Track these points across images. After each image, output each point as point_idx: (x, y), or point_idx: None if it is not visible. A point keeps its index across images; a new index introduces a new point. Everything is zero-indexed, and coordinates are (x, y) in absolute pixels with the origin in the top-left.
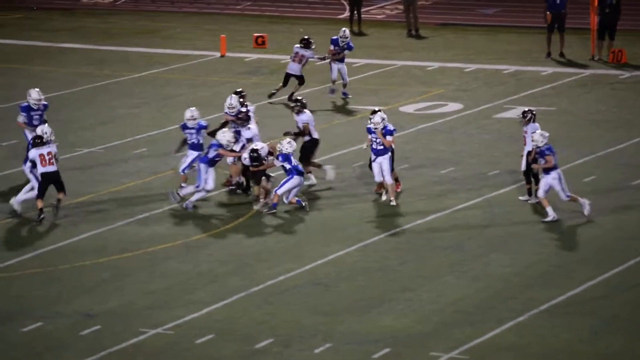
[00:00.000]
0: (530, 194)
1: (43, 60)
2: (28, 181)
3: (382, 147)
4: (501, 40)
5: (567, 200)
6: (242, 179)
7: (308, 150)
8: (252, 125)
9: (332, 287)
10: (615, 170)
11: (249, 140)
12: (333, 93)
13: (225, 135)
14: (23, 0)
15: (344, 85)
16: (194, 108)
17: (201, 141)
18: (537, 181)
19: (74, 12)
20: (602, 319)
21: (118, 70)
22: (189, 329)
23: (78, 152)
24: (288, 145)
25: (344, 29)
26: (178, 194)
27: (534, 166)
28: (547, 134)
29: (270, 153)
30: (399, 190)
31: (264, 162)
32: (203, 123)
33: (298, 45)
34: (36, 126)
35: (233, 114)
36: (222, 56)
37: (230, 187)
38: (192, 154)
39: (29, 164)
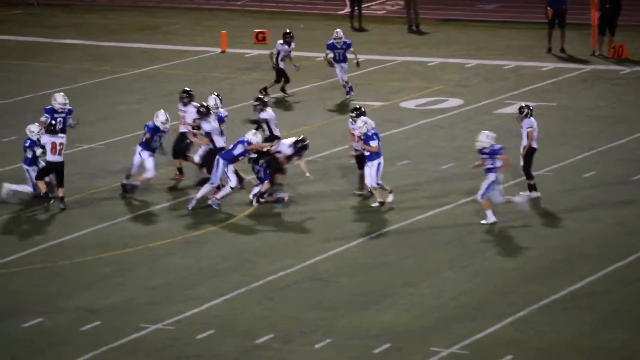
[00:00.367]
0: (530, 190)
1: (43, 56)
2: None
3: (368, 152)
4: (502, 35)
5: (502, 201)
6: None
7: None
8: (214, 121)
9: (332, 282)
10: (616, 166)
11: (207, 133)
12: (352, 92)
13: (256, 135)
14: None
15: (345, 84)
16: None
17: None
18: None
19: (73, 8)
20: (602, 314)
21: (118, 66)
22: (189, 324)
23: (79, 147)
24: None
25: (336, 30)
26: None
27: (471, 166)
28: (492, 135)
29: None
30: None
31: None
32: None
33: (280, 41)
34: (59, 130)
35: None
36: (222, 52)
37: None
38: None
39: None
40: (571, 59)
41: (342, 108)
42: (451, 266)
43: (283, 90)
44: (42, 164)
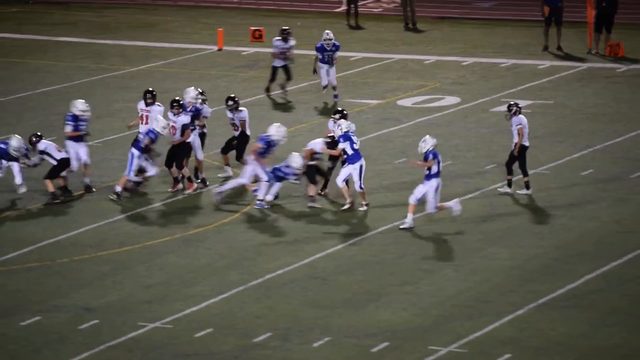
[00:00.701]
0: (510, 185)
1: (40, 54)
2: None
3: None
4: (498, 33)
5: (435, 210)
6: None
7: (241, 146)
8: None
9: (330, 280)
10: (613, 164)
11: (184, 126)
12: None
13: (280, 131)
14: None
15: (334, 88)
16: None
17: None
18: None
19: (71, 5)
20: (600, 312)
21: (115, 64)
22: (187, 322)
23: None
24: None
25: (326, 31)
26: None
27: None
28: (432, 140)
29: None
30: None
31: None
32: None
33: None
34: (82, 135)
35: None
36: (219, 50)
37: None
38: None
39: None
40: (568, 57)
41: (338, 107)
42: (449, 264)
43: (267, 90)
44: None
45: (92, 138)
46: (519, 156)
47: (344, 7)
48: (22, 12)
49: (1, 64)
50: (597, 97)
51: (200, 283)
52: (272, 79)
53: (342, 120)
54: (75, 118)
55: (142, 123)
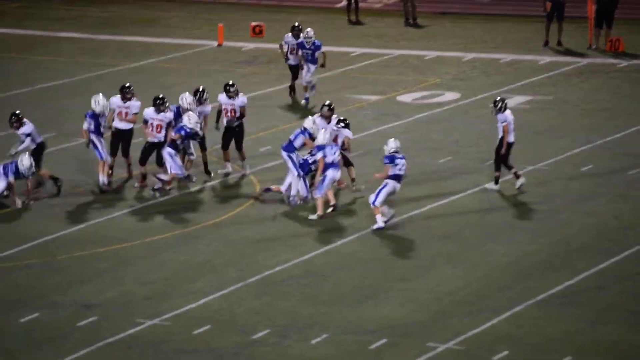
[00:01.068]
0: (497, 182)
1: (41, 50)
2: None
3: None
4: (499, 29)
5: (372, 207)
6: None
7: (240, 135)
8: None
9: (329, 277)
10: (613, 160)
11: (168, 124)
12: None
13: (314, 121)
14: None
15: (305, 89)
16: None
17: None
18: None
19: (72, 1)
20: (598, 309)
21: (116, 59)
22: (186, 319)
23: (75, 142)
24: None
25: (307, 29)
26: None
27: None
28: (394, 143)
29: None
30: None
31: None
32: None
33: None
34: (102, 133)
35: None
36: (219, 45)
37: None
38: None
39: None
40: (568, 53)
41: (338, 102)
42: (448, 261)
43: (291, 88)
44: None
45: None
46: (506, 152)
47: (344, 3)
48: (23, 7)
49: (1, 60)
50: (597, 92)
51: (199, 280)
52: (294, 77)
53: (311, 118)
54: (95, 116)
55: (120, 120)
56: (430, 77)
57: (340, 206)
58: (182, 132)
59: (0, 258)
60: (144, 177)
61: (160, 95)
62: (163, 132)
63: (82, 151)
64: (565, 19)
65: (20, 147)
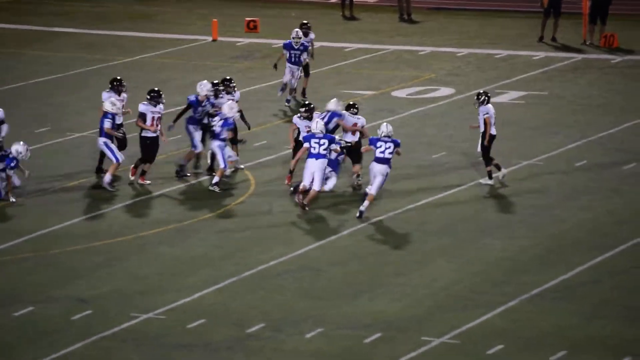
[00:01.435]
0: (490, 177)
1: (37, 45)
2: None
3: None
4: (493, 24)
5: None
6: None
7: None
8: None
9: (324, 271)
10: (607, 155)
11: (141, 114)
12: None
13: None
14: None
15: (291, 90)
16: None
17: None
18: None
19: None
20: (592, 304)
21: (111, 54)
22: (180, 313)
23: (70, 136)
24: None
25: (296, 29)
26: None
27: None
28: (385, 128)
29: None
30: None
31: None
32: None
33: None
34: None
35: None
36: (214, 40)
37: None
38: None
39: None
40: (562, 48)
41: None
42: (443, 255)
43: (302, 90)
44: None
45: (87, 129)
46: (487, 145)
47: None
48: (19, 3)
49: None
50: (592, 88)
51: (193, 274)
52: (306, 74)
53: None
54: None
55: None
56: (425, 72)
57: (336, 201)
58: (230, 126)
59: None
60: (144, 172)
61: (156, 88)
62: (160, 124)
63: (76, 146)
64: (560, 14)
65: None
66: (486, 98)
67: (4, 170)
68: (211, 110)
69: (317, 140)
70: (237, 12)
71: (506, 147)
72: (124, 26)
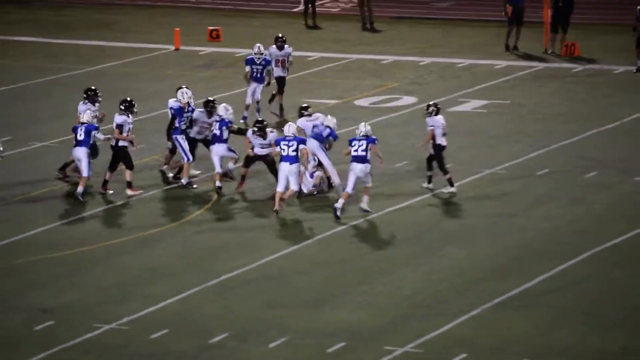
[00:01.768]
0: (452, 184)
1: None
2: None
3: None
4: (456, 33)
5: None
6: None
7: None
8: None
9: (287, 281)
10: (569, 164)
11: (118, 126)
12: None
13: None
14: None
15: (247, 107)
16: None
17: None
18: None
19: (29, 4)
20: (555, 312)
21: (72, 63)
22: (143, 323)
23: (32, 145)
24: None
25: (257, 44)
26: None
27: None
28: (363, 128)
29: None
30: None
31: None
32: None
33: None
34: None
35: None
36: (176, 50)
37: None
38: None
39: None
40: (524, 57)
41: (295, 107)
42: (406, 264)
43: (271, 101)
44: None
45: (49, 138)
46: (436, 155)
47: (301, 7)
48: None
49: None
50: (553, 96)
51: (157, 283)
52: (280, 90)
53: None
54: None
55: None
56: (388, 81)
57: (300, 210)
58: (229, 124)
59: None
60: (105, 182)
61: (128, 98)
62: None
63: (37, 156)
64: (523, 23)
65: None
66: (435, 109)
67: None
68: (209, 120)
69: (286, 143)
70: (200, 20)
71: (468, 155)
72: (84, 35)
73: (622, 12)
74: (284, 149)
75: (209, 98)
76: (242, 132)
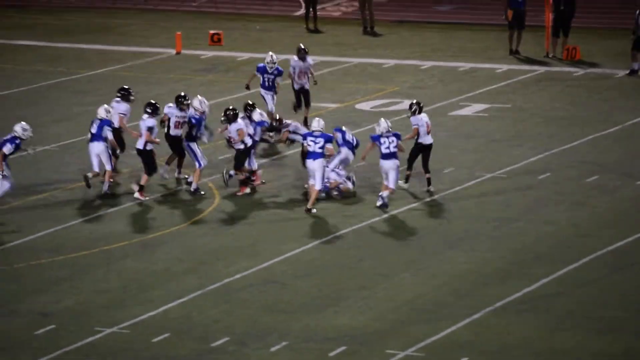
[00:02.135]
0: (429, 184)
1: None
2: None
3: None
4: (457, 37)
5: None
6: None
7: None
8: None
9: (288, 285)
10: (570, 168)
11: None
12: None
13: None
14: None
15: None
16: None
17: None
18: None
19: (29, 9)
20: (556, 316)
21: (73, 67)
22: (145, 327)
23: (33, 149)
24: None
25: (270, 53)
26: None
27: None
28: (387, 124)
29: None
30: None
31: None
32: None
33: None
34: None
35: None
36: (177, 53)
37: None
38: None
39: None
40: (525, 61)
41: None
42: (407, 268)
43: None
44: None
45: (49, 142)
46: (422, 153)
47: (302, 11)
48: None
49: None
50: (554, 100)
51: (158, 287)
52: (298, 104)
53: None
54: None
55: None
56: (389, 85)
57: (301, 214)
58: (266, 125)
59: None
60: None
61: (152, 101)
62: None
63: (38, 159)
64: (524, 27)
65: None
66: (417, 108)
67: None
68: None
69: (313, 139)
70: (201, 24)
71: (470, 159)
72: (85, 39)
73: (623, 17)
74: (310, 145)
75: (181, 94)
76: (274, 128)
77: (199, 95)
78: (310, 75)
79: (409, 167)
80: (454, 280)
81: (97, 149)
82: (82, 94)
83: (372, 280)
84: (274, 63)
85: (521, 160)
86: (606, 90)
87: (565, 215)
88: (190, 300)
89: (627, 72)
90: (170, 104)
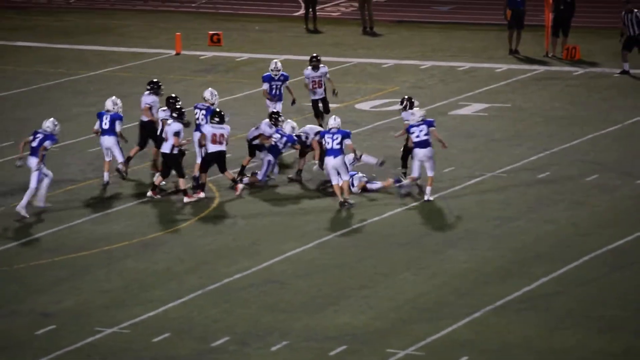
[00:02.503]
0: (405, 176)
1: None
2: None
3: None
4: (456, 37)
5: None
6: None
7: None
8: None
9: (289, 284)
10: (570, 167)
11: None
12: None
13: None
14: None
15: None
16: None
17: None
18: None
19: (29, 10)
20: (557, 315)
21: (73, 68)
22: (145, 327)
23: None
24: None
25: (274, 60)
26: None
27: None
28: (421, 112)
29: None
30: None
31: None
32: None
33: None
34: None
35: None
36: (177, 54)
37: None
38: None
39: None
40: (525, 60)
41: (296, 111)
42: (408, 267)
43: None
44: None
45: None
46: (410, 149)
47: (302, 11)
48: None
49: None
50: (554, 100)
51: (158, 287)
52: (316, 114)
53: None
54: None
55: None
56: (389, 85)
57: (301, 213)
58: (294, 141)
59: None
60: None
61: (178, 105)
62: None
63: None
64: (523, 27)
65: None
66: (408, 103)
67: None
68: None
69: (330, 136)
70: (200, 25)
71: (470, 159)
72: (85, 40)
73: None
74: (328, 142)
75: (172, 95)
76: (302, 144)
77: (210, 88)
78: (327, 85)
79: (404, 165)
80: (455, 279)
81: (108, 142)
82: (83, 94)
83: (373, 280)
84: (279, 70)
85: (521, 159)
86: (606, 90)
87: (565, 214)
88: (191, 300)
89: (619, 72)
90: (164, 108)
